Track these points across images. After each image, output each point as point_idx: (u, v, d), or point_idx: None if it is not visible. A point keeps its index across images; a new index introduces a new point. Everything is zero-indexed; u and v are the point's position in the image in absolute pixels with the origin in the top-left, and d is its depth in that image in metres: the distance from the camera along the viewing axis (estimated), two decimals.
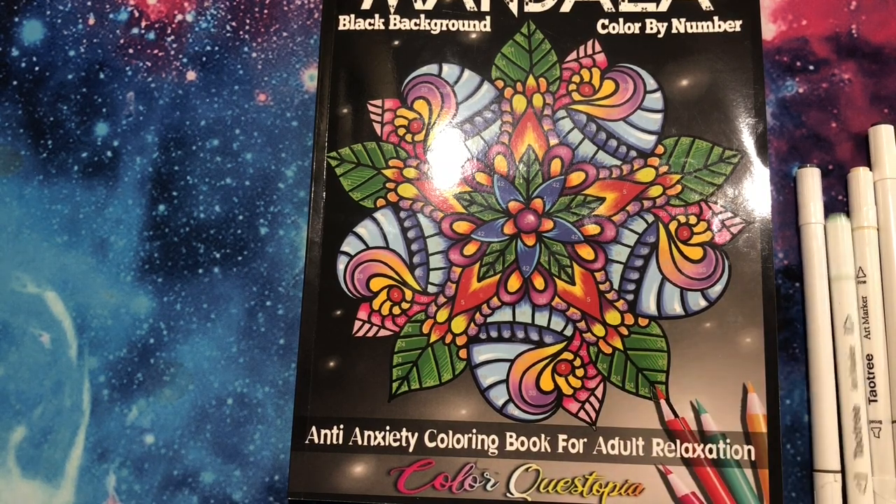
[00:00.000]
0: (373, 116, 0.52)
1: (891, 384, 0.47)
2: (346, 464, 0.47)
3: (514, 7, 0.53)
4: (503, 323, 0.49)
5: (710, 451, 0.47)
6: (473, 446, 0.48)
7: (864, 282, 0.48)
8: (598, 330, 0.49)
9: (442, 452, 0.47)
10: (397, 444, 0.48)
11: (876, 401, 0.47)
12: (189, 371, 0.50)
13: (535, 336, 0.49)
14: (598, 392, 0.48)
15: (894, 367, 0.47)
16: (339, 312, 0.49)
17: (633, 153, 0.51)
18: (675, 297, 0.49)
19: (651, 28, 0.52)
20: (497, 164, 0.51)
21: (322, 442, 0.48)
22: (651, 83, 0.52)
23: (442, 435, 0.48)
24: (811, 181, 0.50)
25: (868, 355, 0.47)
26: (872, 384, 0.47)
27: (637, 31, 0.52)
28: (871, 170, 0.50)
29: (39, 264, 0.52)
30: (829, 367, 0.47)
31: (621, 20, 0.53)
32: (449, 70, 0.52)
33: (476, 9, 0.53)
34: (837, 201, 0.50)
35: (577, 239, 0.50)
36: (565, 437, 0.47)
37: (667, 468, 0.47)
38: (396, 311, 0.49)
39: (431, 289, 0.49)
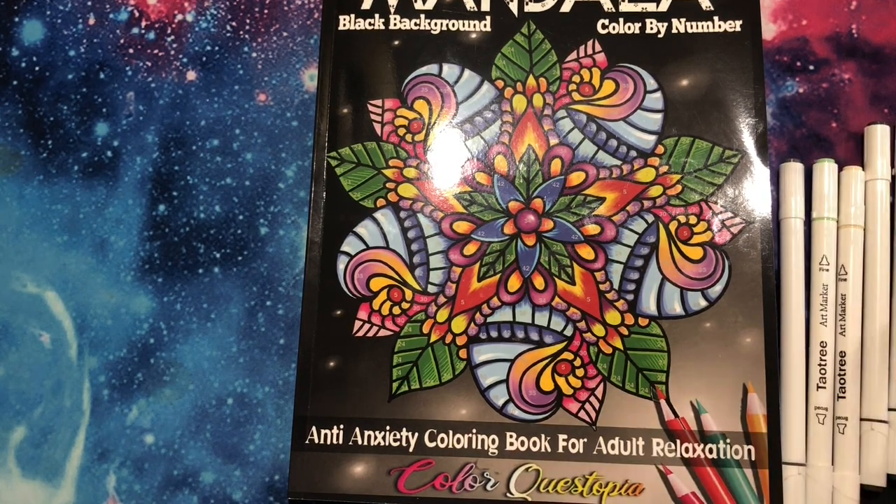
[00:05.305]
0: (373, 116, 0.52)
1: (862, 382, 0.47)
2: (347, 464, 0.47)
3: (514, 7, 0.53)
4: (503, 323, 0.49)
5: (710, 451, 0.47)
6: (473, 446, 0.48)
7: (845, 279, 0.48)
8: (599, 330, 0.49)
9: (442, 452, 0.47)
10: (397, 444, 0.48)
11: (844, 397, 0.47)
12: (189, 371, 0.50)
13: (535, 336, 0.49)
14: (599, 392, 0.48)
15: (867, 365, 0.48)
16: (339, 312, 0.49)
17: (633, 153, 0.51)
18: (675, 297, 0.49)
19: (651, 28, 0.52)
20: (497, 164, 0.51)
21: (322, 442, 0.48)
22: (651, 83, 0.52)
23: (442, 435, 0.48)
24: (794, 176, 0.50)
25: (841, 352, 0.48)
26: (843, 381, 0.47)
27: (637, 31, 0.52)
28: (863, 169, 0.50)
29: (39, 264, 0.52)
30: (800, 363, 0.48)
31: (621, 20, 0.53)
32: (449, 70, 0.52)
33: (476, 9, 0.53)
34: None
35: (577, 239, 0.50)
36: (565, 437, 0.47)
37: (667, 468, 0.47)
38: (396, 311, 0.49)
39: (431, 289, 0.49)
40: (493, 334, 0.49)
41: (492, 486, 0.47)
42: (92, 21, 0.55)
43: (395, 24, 0.53)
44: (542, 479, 0.47)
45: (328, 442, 0.48)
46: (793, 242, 0.49)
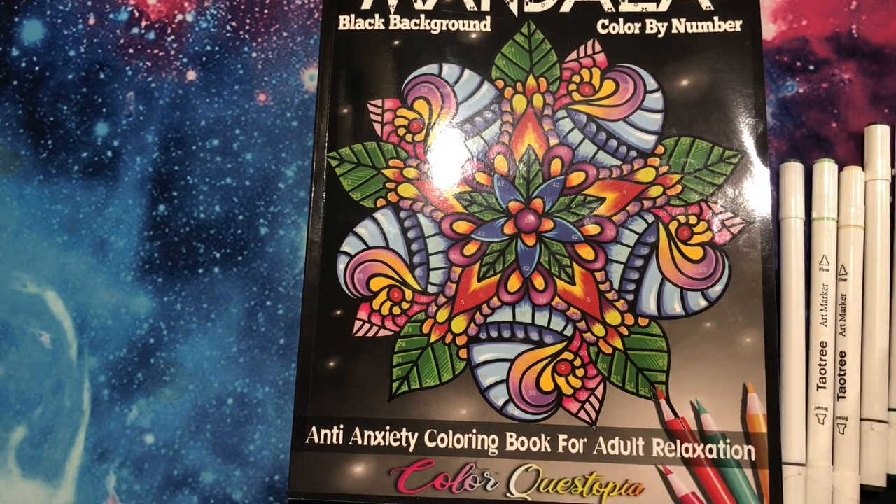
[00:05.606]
0: (373, 116, 0.52)
1: (862, 382, 0.47)
2: (347, 464, 0.47)
3: (514, 7, 0.53)
4: (503, 323, 0.49)
5: (710, 451, 0.47)
6: (473, 446, 0.48)
7: (845, 279, 0.48)
8: (599, 330, 0.49)
9: (442, 452, 0.47)
10: (397, 444, 0.48)
11: (844, 397, 0.47)
12: (189, 371, 0.50)
13: (535, 336, 0.49)
14: (598, 392, 0.48)
15: (867, 365, 0.48)
16: (339, 312, 0.49)
17: (633, 153, 0.51)
18: (675, 297, 0.49)
19: (651, 28, 0.52)
20: (497, 164, 0.51)
21: (322, 442, 0.48)
22: (651, 83, 0.52)
23: (442, 435, 0.48)
24: (794, 176, 0.50)
25: (841, 352, 0.48)
26: (843, 381, 0.47)
27: (637, 31, 0.52)
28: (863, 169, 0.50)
29: (39, 264, 0.52)
30: (800, 363, 0.48)
31: (621, 20, 0.53)
32: (449, 70, 0.52)
33: (476, 9, 0.53)
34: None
35: (577, 239, 0.50)
36: (565, 437, 0.47)
37: (667, 468, 0.47)
38: (396, 311, 0.49)
39: (431, 289, 0.49)
40: (493, 334, 0.49)
41: (492, 486, 0.47)
42: (92, 21, 0.55)
43: (395, 24, 0.53)
44: (542, 479, 0.47)
45: (328, 442, 0.48)
46: (793, 242, 0.49)
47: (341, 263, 0.50)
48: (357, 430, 0.48)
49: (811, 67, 0.53)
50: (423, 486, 0.47)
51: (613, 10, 0.53)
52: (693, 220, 0.50)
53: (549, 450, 0.47)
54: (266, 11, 0.55)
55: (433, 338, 0.49)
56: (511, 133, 0.51)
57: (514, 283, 0.49)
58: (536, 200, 0.50)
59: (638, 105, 0.51)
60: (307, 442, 0.48)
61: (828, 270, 0.49)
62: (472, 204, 0.50)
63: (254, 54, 0.54)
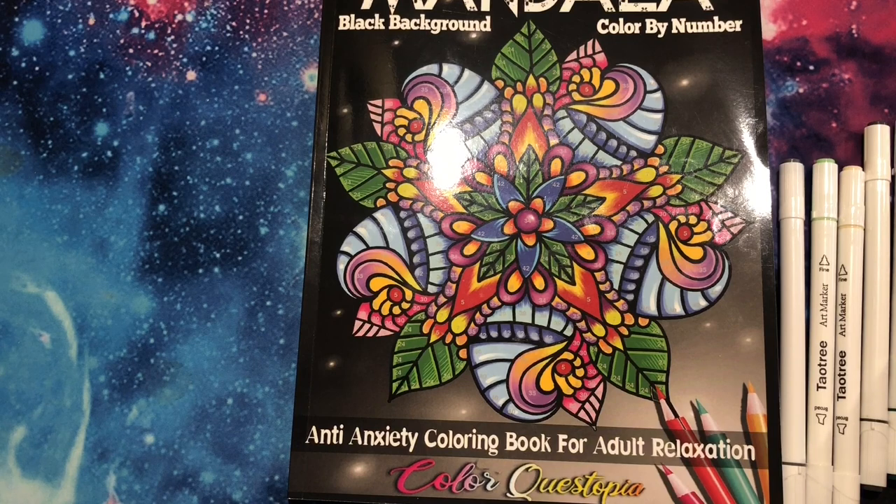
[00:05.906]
0: (373, 116, 0.52)
1: (862, 382, 0.47)
2: (346, 464, 0.47)
3: (514, 7, 0.53)
4: (503, 323, 0.49)
5: (710, 451, 0.47)
6: (473, 446, 0.48)
7: (845, 279, 0.48)
8: (599, 330, 0.49)
9: (442, 452, 0.47)
10: (397, 444, 0.48)
11: (844, 397, 0.47)
12: (189, 371, 0.50)
13: (535, 336, 0.49)
14: (599, 392, 0.48)
15: (867, 365, 0.48)
16: (339, 312, 0.49)
17: (633, 153, 0.51)
18: (675, 297, 0.49)
19: (651, 28, 0.52)
20: (497, 164, 0.51)
21: (322, 442, 0.48)
22: (651, 83, 0.52)
23: (442, 435, 0.48)
24: (794, 176, 0.50)
25: (841, 352, 0.48)
26: (843, 381, 0.47)
27: (637, 31, 0.52)
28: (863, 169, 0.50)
29: (39, 264, 0.52)
30: (800, 363, 0.48)
31: (621, 20, 0.53)
32: (449, 70, 0.52)
33: (476, 9, 0.53)
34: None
35: (577, 239, 0.50)
36: (565, 437, 0.47)
37: (667, 468, 0.47)
38: (396, 310, 0.49)
39: (431, 289, 0.49)
40: (493, 334, 0.49)
41: (492, 486, 0.47)
42: (92, 21, 0.55)
43: (395, 24, 0.53)
44: (542, 479, 0.47)
45: (328, 442, 0.48)
46: (793, 242, 0.49)
47: (341, 263, 0.50)
48: (357, 430, 0.48)
49: (811, 67, 0.53)
50: (423, 486, 0.47)
51: (613, 10, 0.53)
52: (693, 220, 0.50)
53: (549, 450, 0.47)
54: (266, 11, 0.55)
55: (433, 338, 0.49)
56: (511, 133, 0.51)
57: (514, 282, 0.49)
58: (536, 200, 0.50)
59: (638, 105, 0.51)
60: (307, 442, 0.48)
61: (828, 270, 0.49)
62: (472, 204, 0.50)
63: (254, 54, 0.54)
